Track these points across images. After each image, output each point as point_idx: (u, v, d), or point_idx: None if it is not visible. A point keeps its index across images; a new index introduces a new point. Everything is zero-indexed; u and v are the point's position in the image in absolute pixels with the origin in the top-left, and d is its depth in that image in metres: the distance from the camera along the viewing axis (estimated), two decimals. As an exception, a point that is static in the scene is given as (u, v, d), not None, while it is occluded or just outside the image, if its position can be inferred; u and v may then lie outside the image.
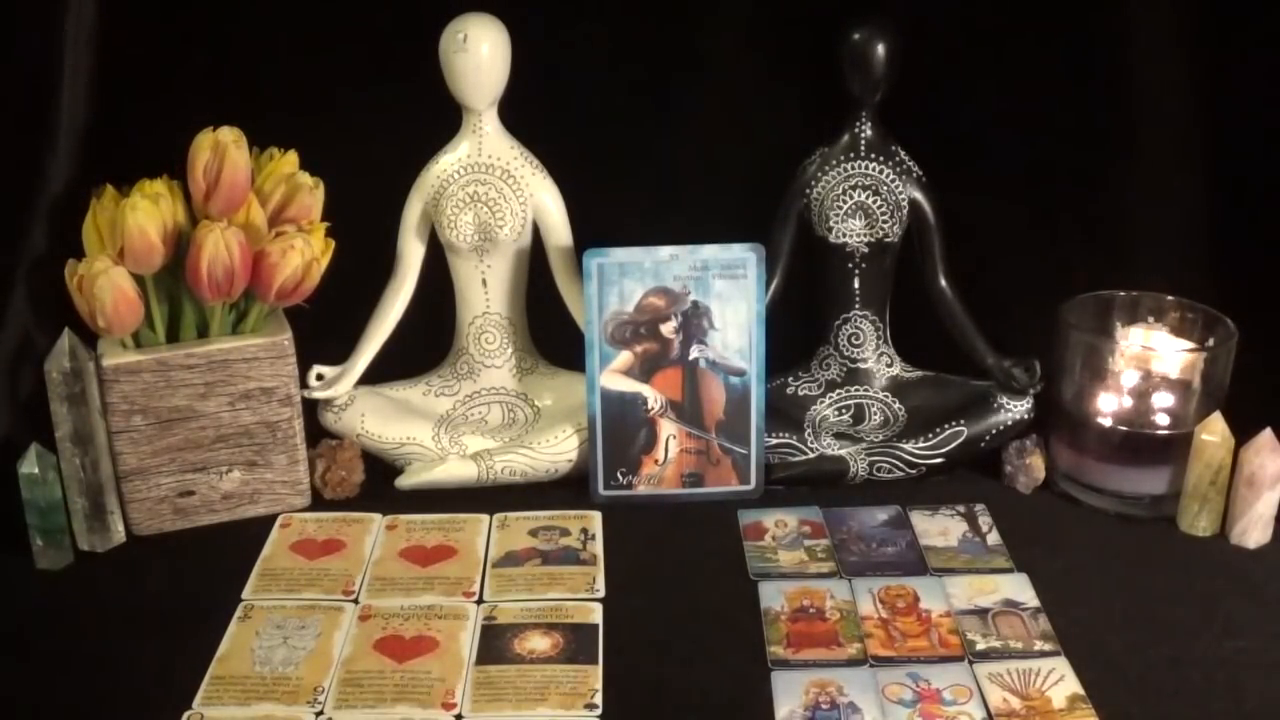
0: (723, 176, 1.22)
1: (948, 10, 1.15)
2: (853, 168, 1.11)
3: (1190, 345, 1.09)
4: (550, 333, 1.17)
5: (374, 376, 1.14)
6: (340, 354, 1.13)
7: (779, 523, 1.07)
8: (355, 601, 0.97)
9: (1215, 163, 1.17)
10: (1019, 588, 0.98)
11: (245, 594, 0.98)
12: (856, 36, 1.08)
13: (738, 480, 1.10)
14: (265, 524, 1.07)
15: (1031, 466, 1.11)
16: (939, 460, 1.11)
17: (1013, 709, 0.86)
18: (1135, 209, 1.20)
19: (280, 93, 1.15)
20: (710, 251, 1.06)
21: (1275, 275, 1.14)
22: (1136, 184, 1.20)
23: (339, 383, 1.12)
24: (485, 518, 1.07)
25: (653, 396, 1.09)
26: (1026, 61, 1.16)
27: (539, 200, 1.11)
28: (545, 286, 1.14)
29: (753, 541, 1.04)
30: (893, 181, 1.11)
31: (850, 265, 1.13)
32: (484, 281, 1.13)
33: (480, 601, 0.97)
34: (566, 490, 1.11)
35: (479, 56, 1.05)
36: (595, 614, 0.96)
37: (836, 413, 1.16)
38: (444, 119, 1.10)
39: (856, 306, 1.14)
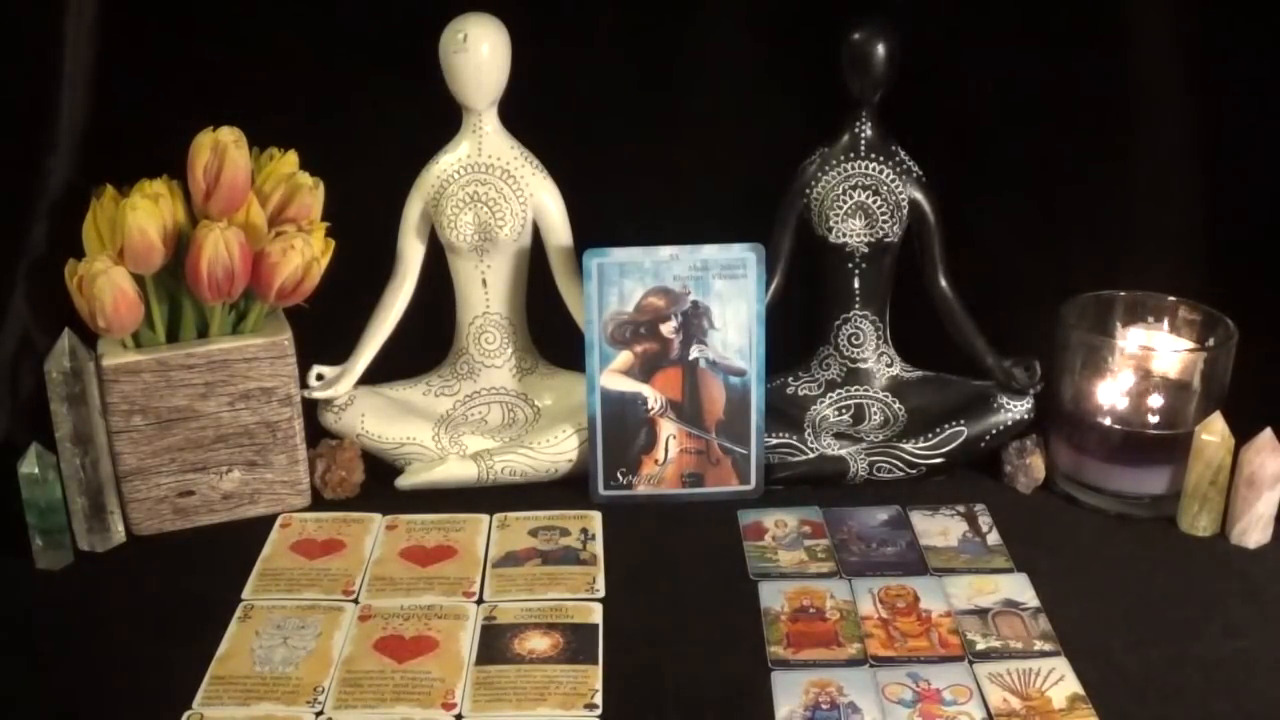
0: (723, 176, 1.21)
1: (948, 10, 1.15)
2: (853, 168, 1.11)
3: (1190, 345, 1.09)
4: (550, 333, 1.17)
5: (374, 376, 1.14)
6: (340, 354, 1.13)
7: (779, 523, 1.06)
8: (355, 601, 0.97)
9: (1215, 162, 1.17)
10: (1019, 588, 0.98)
11: (245, 594, 0.98)
12: (856, 36, 1.08)
13: (738, 480, 1.10)
14: (265, 524, 1.07)
15: (1031, 466, 1.11)
16: (939, 460, 1.11)
17: (1013, 709, 0.86)
18: (1135, 209, 1.20)
19: (280, 92, 1.15)
20: (710, 251, 1.06)
21: (1275, 275, 1.14)
22: (1136, 184, 1.20)
23: (339, 383, 1.12)
24: (485, 518, 1.07)
25: (653, 396, 1.09)
26: (1027, 61, 1.16)
27: (539, 200, 1.11)
28: (545, 286, 1.14)
29: (753, 541, 1.04)
30: (893, 181, 1.11)
31: (850, 265, 1.13)
32: (484, 281, 1.13)
33: (480, 601, 0.97)
34: (566, 490, 1.11)
35: (479, 56, 1.05)
36: (595, 614, 0.96)
37: (836, 413, 1.16)
38: (444, 119, 1.10)
39: (856, 306, 1.14)
